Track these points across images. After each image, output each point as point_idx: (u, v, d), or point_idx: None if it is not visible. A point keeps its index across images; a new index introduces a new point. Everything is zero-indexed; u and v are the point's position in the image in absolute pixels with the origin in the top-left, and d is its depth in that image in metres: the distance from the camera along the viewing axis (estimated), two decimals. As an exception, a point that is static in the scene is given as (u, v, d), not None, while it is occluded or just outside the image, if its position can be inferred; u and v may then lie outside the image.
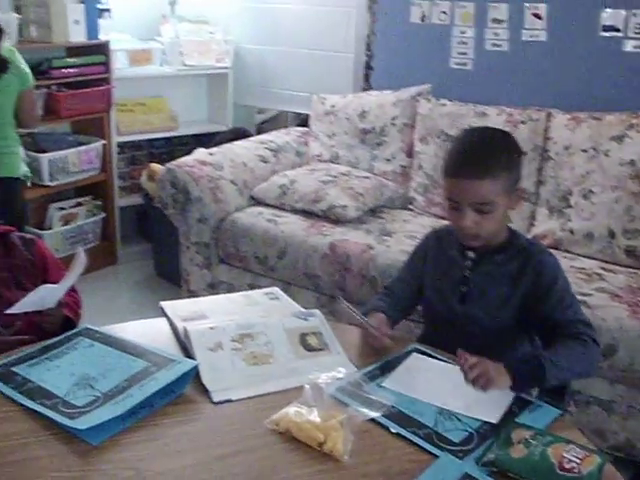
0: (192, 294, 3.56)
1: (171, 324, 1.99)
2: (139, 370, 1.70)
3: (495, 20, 3.66)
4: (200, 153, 3.76)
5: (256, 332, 1.86)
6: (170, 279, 4.14)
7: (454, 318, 1.97)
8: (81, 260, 2.02)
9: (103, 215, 4.35)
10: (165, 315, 2.04)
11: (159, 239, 4.24)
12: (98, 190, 4.33)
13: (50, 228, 4.08)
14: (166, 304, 2.09)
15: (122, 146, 4.48)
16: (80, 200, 4.26)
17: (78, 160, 4.06)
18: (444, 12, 3.82)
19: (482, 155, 1.84)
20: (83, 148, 4.09)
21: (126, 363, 1.74)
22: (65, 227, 4.12)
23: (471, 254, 1.94)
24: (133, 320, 2.09)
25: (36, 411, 1.57)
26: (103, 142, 4.20)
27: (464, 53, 3.80)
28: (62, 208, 4.14)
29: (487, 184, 1.80)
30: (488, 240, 1.89)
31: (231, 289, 3.43)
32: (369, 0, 4.07)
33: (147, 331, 1.99)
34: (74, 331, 1.94)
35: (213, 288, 3.53)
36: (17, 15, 3.84)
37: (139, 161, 4.67)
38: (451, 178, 1.87)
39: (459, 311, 1.96)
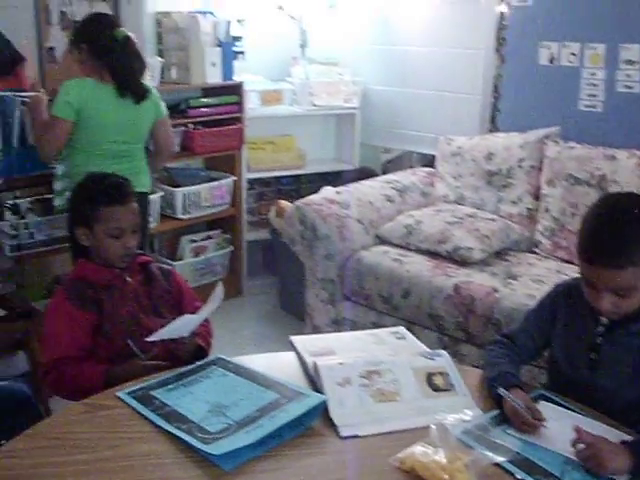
0: (316, 329, 3.63)
1: (300, 358, 2.05)
2: (270, 401, 1.76)
3: (627, 61, 3.59)
4: (327, 191, 3.85)
5: (383, 369, 1.89)
6: (294, 313, 4.23)
7: (581, 382, 1.88)
8: (218, 294, 2.12)
9: (231, 248, 4.49)
10: (294, 349, 2.10)
11: (284, 273, 4.35)
12: (227, 224, 4.49)
13: (181, 259, 4.26)
14: (295, 339, 2.15)
15: (251, 182, 4.63)
16: (210, 233, 4.43)
17: (210, 195, 4.23)
18: (573, 54, 3.78)
19: (622, 240, 1.68)
20: (215, 184, 4.26)
21: (257, 394, 1.81)
22: (195, 259, 4.28)
23: (604, 320, 1.83)
24: (257, 351, 2.17)
25: (172, 433, 1.65)
26: (234, 178, 4.36)
27: (594, 95, 3.74)
28: (193, 240, 4.31)
29: (628, 273, 1.67)
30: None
31: (354, 326, 3.48)
32: (497, 42, 4.08)
33: (276, 363, 2.06)
34: (207, 360, 2.03)
35: (337, 324, 3.59)
36: (160, 59, 4.06)
37: (267, 197, 4.82)
38: (587, 264, 1.73)
39: (587, 377, 1.87)
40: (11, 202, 3.09)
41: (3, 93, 3.38)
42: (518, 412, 1.71)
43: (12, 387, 1.99)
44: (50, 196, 3.62)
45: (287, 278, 4.32)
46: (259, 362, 2.03)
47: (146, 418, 1.72)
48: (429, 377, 1.90)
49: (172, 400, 1.79)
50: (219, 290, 2.13)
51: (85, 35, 3.25)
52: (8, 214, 3.34)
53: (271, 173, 4.65)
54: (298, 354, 2.07)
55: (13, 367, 3.30)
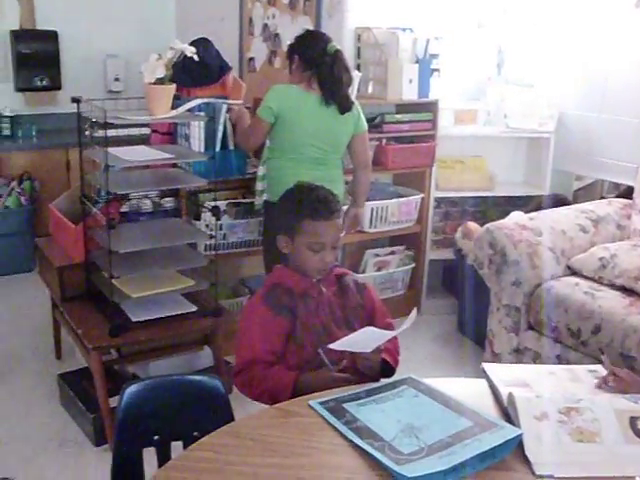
0: (495, 356, 3.53)
1: (492, 387, 1.99)
2: (463, 429, 1.71)
3: None
4: (519, 217, 3.75)
5: (583, 407, 1.79)
6: (471, 337, 4.15)
7: None
8: (411, 318, 2.12)
9: (413, 265, 4.47)
10: (486, 377, 2.05)
11: (464, 296, 4.27)
12: (411, 241, 4.47)
13: (364, 272, 4.28)
14: (488, 366, 2.10)
15: (438, 201, 4.59)
16: (394, 249, 4.43)
17: (397, 211, 4.23)
18: None
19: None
20: (404, 200, 4.26)
21: (450, 419, 1.77)
22: (378, 273, 4.30)
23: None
24: (432, 372, 2.14)
25: (363, 449, 1.64)
26: (422, 196, 4.34)
27: None
28: (377, 255, 4.33)
29: None
30: None
31: (537, 357, 3.36)
32: None
33: (466, 389, 2.01)
34: (399, 378, 2.01)
35: (518, 353, 3.48)
36: (358, 73, 4.12)
37: (452, 217, 4.76)
38: None
39: None
40: (212, 204, 3.21)
41: (211, 100, 3.53)
42: None
43: (207, 382, 2.05)
44: (244, 200, 3.78)
45: (467, 301, 4.24)
46: (448, 386, 1.99)
47: (337, 430, 1.73)
48: (633, 421, 1.78)
49: (363, 415, 1.79)
50: (413, 314, 2.13)
51: (298, 47, 3.41)
52: (207, 215, 3.49)
53: (459, 193, 4.58)
54: (490, 382, 2.02)
55: (197, 361, 3.44)
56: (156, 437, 2.02)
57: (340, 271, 2.37)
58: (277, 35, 5.01)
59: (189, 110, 3.09)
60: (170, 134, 3.80)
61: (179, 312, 3.12)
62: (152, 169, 3.28)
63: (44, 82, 5.82)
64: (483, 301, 3.68)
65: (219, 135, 3.61)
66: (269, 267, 3.43)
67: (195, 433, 2.01)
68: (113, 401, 3.04)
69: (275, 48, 5.05)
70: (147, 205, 3.50)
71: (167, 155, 3.05)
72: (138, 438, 2.01)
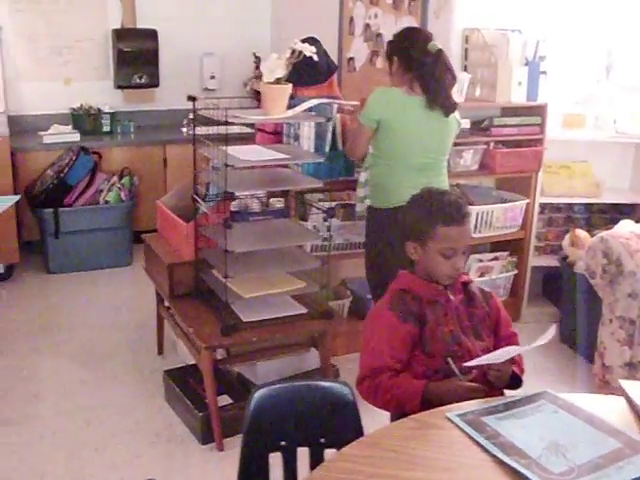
0: (606, 369, 3.42)
1: (631, 404, 1.91)
2: (612, 449, 1.65)
3: None
4: (632, 226, 3.62)
5: None
6: (575, 348, 4.03)
7: None
8: (549, 334, 2.07)
9: (515, 272, 4.37)
10: (624, 394, 1.97)
11: (569, 305, 4.15)
12: (514, 247, 4.37)
13: (467, 278, 4.20)
14: (625, 383, 2.02)
15: (542, 207, 4.47)
16: (497, 254, 4.33)
17: (503, 216, 4.13)
18: None
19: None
20: (509, 205, 4.16)
21: (596, 438, 1.70)
22: (480, 278, 4.21)
23: None
24: (538, 384, 2.07)
25: (509, 466, 1.59)
26: (527, 201, 4.23)
27: None
28: (480, 260, 4.25)
29: None
30: None
31: (652, 373, 3.25)
32: None
33: (602, 406, 1.92)
34: (536, 392, 1.95)
35: (630, 367, 3.36)
36: (467, 74, 4.03)
37: (556, 223, 4.64)
38: None
39: None
40: (326, 205, 3.19)
41: (329, 101, 3.50)
42: None
43: (337, 388, 2.03)
44: (350, 202, 3.74)
45: (570, 310, 4.11)
46: (583, 401, 1.92)
47: (479, 444, 1.68)
48: None
49: (505, 430, 1.73)
50: (552, 331, 2.08)
51: (398, 48, 3.26)
52: (315, 215, 3.47)
53: (563, 199, 4.45)
54: (630, 400, 1.93)
55: (303, 363, 3.43)
56: (283, 442, 2.00)
57: (465, 278, 2.31)
58: (379, 35, 4.97)
59: (306, 110, 3.06)
60: (276, 133, 3.79)
61: (289, 314, 3.10)
62: (262, 169, 3.27)
63: (143, 80, 5.91)
64: (592, 311, 3.57)
65: (329, 136, 3.58)
66: (371, 271, 3.39)
67: (322, 440, 2.00)
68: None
69: (377, 48, 5.00)
70: (255, 204, 3.49)
71: (283, 155, 3.04)
72: (265, 443, 1.99)
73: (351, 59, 5.38)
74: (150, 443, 3.16)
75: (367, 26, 5.13)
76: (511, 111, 4.20)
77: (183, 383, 3.33)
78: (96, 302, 4.70)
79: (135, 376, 3.71)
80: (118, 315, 4.48)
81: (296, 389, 2.04)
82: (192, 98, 3.05)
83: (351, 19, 5.34)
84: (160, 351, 3.90)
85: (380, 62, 4.95)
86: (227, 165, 2.78)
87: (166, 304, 3.55)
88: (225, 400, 3.19)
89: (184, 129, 5.87)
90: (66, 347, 4.04)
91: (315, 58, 2.96)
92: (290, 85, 2.98)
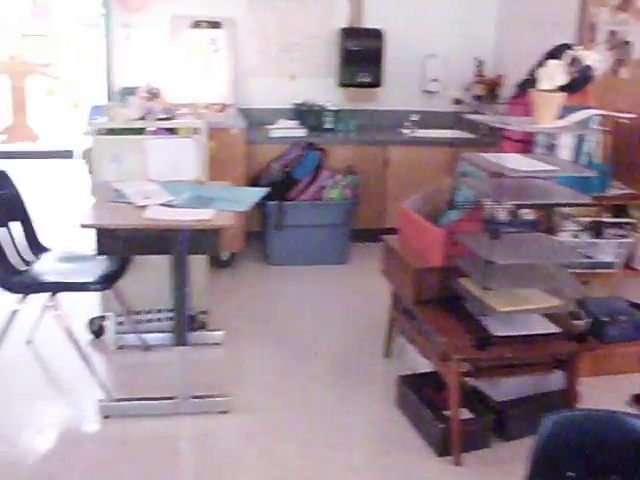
0: None
1: None
2: None
3: None
4: None
5: None
6: None
7: None
8: None
9: None
10: None
11: None
12: None
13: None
14: None
15: None
16: None
17: None
18: None
19: None
20: None
21: None
22: None
23: None
24: None
25: None
26: None
27: None
28: None
29: None
30: None
31: None
32: None
33: None
34: None
35: None
36: None
37: None
38: None
39: None
40: (587, 220, 3.02)
41: (597, 111, 3.34)
42: None
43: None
44: (609, 220, 3.55)
45: None
46: None
47: None
48: None
49: None
50: None
51: None
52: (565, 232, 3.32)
53: None
54: None
55: (545, 383, 3.27)
56: (570, 473, 1.88)
57: None
58: (627, 43, 4.69)
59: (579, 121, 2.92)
60: (524, 142, 3.65)
61: (542, 332, 2.96)
62: (523, 179, 3.14)
63: (365, 79, 5.93)
64: None
65: (587, 148, 3.40)
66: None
67: (613, 477, 1.86)
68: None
69: (622, 57, 4.73)
70: (502, 215, 3.37)
71: (553, 167, 2.90)
72: (552, 471, 1.88)
73: (588, 67, 5.12)
74: (383, 449, 3.12)
75: (613, 33, 4.86)
76: None
77: (419, 391, 3.27)
78: (313, 297, 4.75)
79: (362, 377, 3.69)
80: (336, 313, 4.50)
81: (598, 418, 1.91)
82: (459, 102, 2.97)
83: (592, 25, 5.08)
84: (387, 354, 3.86)
85: (625, 72, 4.68)
86: (498, 174, 2.68)
87: (402, 308, 3.50)
88: (464, 414, 3.09)
89: (405, 130, 5.83)
90: (288, 339, 4.09)
91: (596, 67, 2.81)
92: (564, 94, 2.84)
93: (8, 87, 9.73)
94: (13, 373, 3.60)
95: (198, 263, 3.84)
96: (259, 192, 3.54)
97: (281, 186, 5.08)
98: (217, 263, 4.93)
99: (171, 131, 3.82)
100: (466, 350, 2.87)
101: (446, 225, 3.21)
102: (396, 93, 6.16)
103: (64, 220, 5.38)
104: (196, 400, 3.28)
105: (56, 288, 3.32)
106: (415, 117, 5.89)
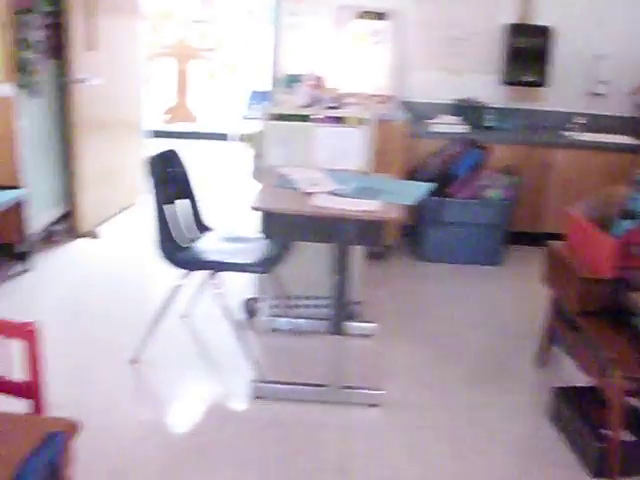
0: None
1: None
2: None
3: None
4: None
5: None
6: None
7: None
8: None
9: None
10: None
11: None
12: None
13: None
14: None
15: None
16: None
17: None
18: None
19: None
20: None
21: None
22: None
23: None
24: None
25: None
26: None
27: None
28: None
29: None
30: None
31: None
32: None
33: None
34: None
35: None
36: None
37: None
38: None
39: None
40: None
41: None
42: None
43: None
44: None
45: None
46: None
47: None
48: None
49: None
50: None
51: None
52: None
53: None
54: None
55: None
56: None
57: None
58: None
59: None
60: None
61: None
62: None
63: (530, 78, 5.75)
64: None
65: None
66: None
67: None
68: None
69: None
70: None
71: None
72: None
73: None
74: (535, 461, 3.01)
75: None
76: None
77: (576, 405, 3.13)
78: (465, 298, 4.66)
79: (512, 384, 3.59)
80: (489, 316, 4.39)
81: None
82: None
83: None
84: (541, 363, 3.73)
85: None
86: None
87: (563, 317, 3.36)
88: (625, 435, 2.94)
89: (569, 132, 5.62)
90: (438, 338, 4.04)
91: None
92: None
93: (175, 70, 10.12)
94: (169, 345, 3.72)
95: (355, 253, 3.84)
96: (425, 186, 3.50)
97: (440, 181, 4.99)
98: (371, 255, 4.93)
99: (338, 120, 3.83)
100: (632, 368, 2.72)
101: (619, 235, 3.06)
102: (562, 94, 5.93)
103: (223, 201, 5.53)
104: (347, 390, 3.29)
105: (218, 267, 3.40)
106: (581, 120, 5.67)
